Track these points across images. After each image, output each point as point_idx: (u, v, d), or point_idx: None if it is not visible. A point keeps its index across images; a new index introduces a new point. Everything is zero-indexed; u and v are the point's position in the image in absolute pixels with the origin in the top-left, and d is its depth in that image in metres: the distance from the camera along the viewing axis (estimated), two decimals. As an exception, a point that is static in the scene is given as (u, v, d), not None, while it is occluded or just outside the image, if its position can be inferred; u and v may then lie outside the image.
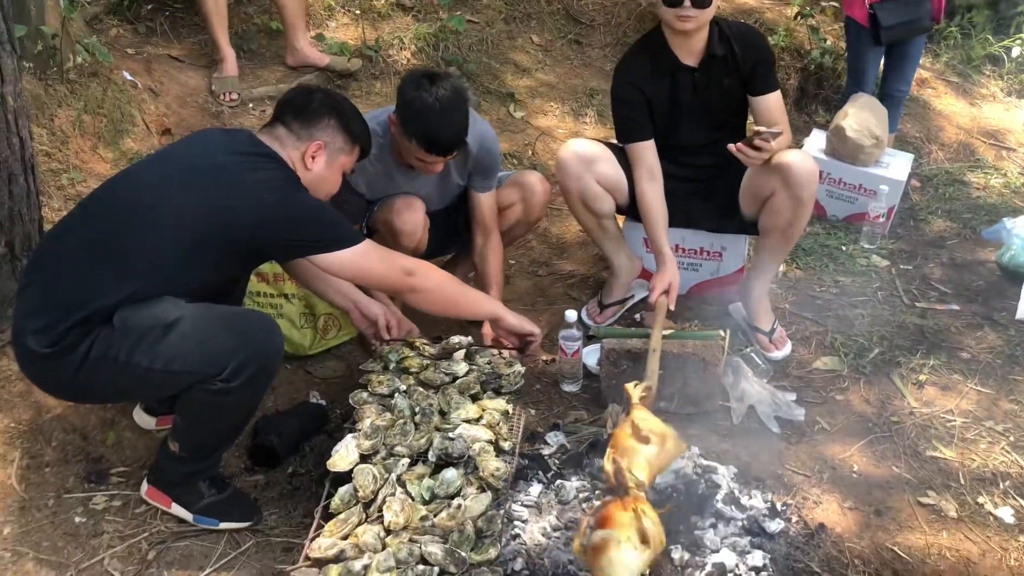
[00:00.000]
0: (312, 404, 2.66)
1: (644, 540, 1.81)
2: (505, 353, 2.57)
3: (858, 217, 3.82)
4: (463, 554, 1.82)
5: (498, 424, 2.22)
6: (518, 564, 2.06)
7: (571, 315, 2.78)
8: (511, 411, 2.32)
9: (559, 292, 3.40)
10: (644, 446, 2.07)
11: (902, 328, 3.12)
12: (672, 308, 2.75)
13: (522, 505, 2.27)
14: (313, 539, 1.90)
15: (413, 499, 1.98)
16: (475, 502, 1.98)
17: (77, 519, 2.25)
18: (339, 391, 2.77)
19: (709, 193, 2.98)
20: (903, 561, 2.16)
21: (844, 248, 3.69)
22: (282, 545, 2.20)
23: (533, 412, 2.75)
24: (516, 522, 2.21)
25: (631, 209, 2.99)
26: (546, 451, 2.53)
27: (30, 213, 2.73)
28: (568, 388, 2.85)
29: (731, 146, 2.64)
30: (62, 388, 2.13)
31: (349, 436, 2.16)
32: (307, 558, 1.85)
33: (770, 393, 2.72)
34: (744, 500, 2.28)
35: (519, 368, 2.46)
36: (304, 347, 2.89)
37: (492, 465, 2.07)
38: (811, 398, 2.79)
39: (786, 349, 2.98)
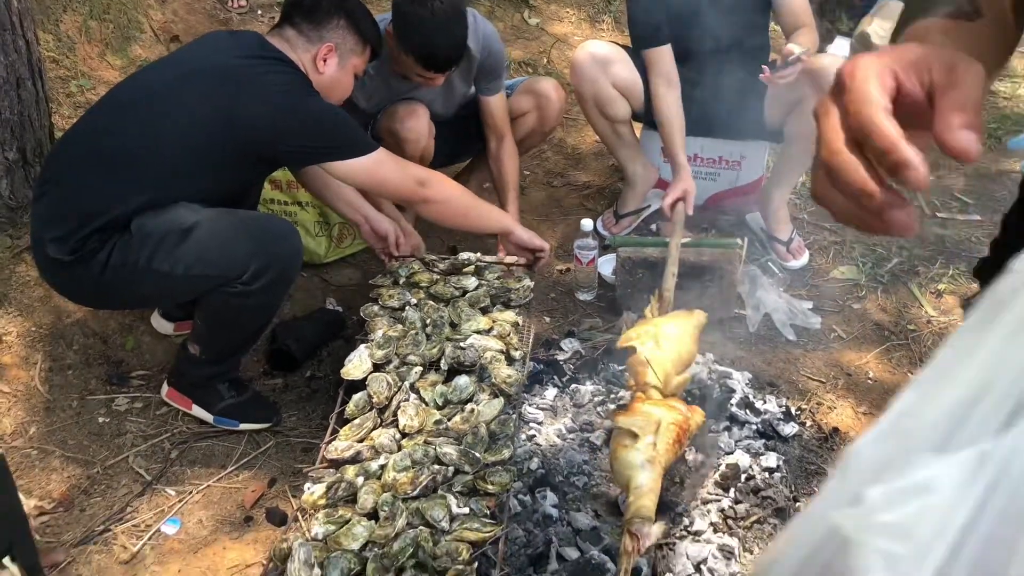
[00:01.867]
0: (328, 310, 2.67)
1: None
2: (515, 269, 2.56)
3: (881, 127, 3.72)
4: (477, 454, 1.85)
5: (508, 335, 2.22)
6: (534, 464, 2.10)
7: (586, 224, 2.75)
8: (521, 323, 2.32)
9: (574, 203, 3.37)
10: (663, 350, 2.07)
11: (922, 238, 3.08)
12: (689, 213, 2.71)
13: (537, 408, 2.30)
14: (329, 442, 1.93)
15: (427, 404, 2.00)
16: (488, 407, 1.99)
17: (100, 419, 2.29)
18: (355, 298, 2.77)
19: (729, 100, 2.90)
20: (915, 463, 2.18)
21: (866, 158, 3.61)
22: (301, 445, 2.25)
23: (548, 320, 2.76)
24: (532, 424, 2.24)
25: (647, 116, 2.92)
26: (561, 357, 2.54)
27: (40, 119, 2.70)
28: (583, 297, 2.85)
29: (763, 76, 2.56)
30: (83, 295, 2.14)
31: (362, 346, 2.17)
32: (324, 460, 1.88)
33: (786, 301, 2.71)
34: (759, 405, 2.29)
35: (528, 283, 2.45)
36: (319, 255, 2.88)
37: (504, 372, 2.08)
38: (828, 307, 2.78)
39: (803, 258, 2.95)
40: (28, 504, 2.03)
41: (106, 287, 2.02)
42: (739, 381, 2.38)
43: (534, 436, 2.21)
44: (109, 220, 1.97)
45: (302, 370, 2.51)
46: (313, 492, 1.77)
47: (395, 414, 1.97)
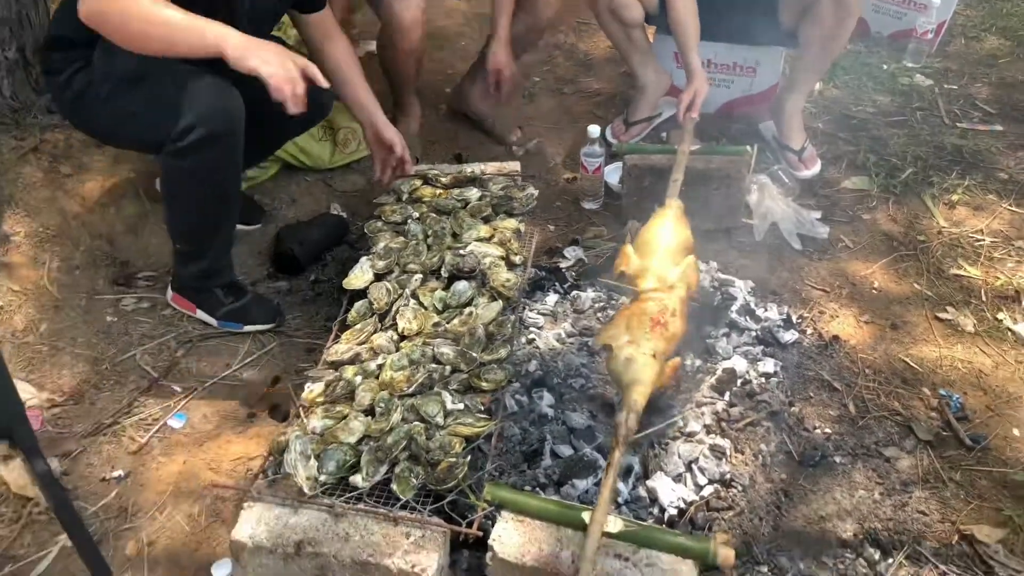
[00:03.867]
0: (332, 215, 2.67)
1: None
2: (519, 178, 2.53)
3: (904, 34, 3.59)
4: (474, 354, 1.87)
5: (509, 241, 2.22)
6: (532, 366, 2.12)
7: (593, 130, 2.70)
8: (523, 229, 2.31)
9: (584, 110, 3.30)
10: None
11: (939, 148, 3.01)
12: (695, 116, 2.64)
13: (538, 313, 2.31)
14: (330, 347, 1.96)
15: (426, 309, 2.01)
16: (486, 310, 2.00)
17: (108, 318, 2.33)
18: (359, 204, 2.77)
19: (744, 4, 2.79)
20: (913, 371, 2.18)
21: (886, 67, 3.50)
22: (305, 346, 2.28)
23: (552, 229, 2.74)
24: (532, 328, 2.25)
25: (661, 20, 2.83)
26: (564, 264, 2.54)
27: (38, 18, 2.66)
28: (589, 206, 2.82)
29: None
30: (72, 115, 2.13)
31: (364, 258, 2.18)
32: (325, 362, 1.91)
33: (794, 211, 2.67)
34: (759, 312, 2.29)
35: (531, 191, 2.43)
36: (323, 160, 2.86)
37: (503, 276, 2.09)
38: (837, 216, 2.73)
39: (815, 168, 2.89)
40: (40, 397, 2.09)
41: (85, 111, 2.03)
42: (741, 289, 2.37)
43: (533, 340, 2.22)
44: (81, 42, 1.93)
45: (306, 274, 2.52)
46: (312, 390, 1.81)
47: (395, 319, 1.99)
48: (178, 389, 2.16)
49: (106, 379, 2.18)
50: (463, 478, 1.58)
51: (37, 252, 2.41)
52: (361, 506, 1.56)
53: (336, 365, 1.89)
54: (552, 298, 2.38)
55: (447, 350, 1.87)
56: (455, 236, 2.27)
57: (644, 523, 1.58)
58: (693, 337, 2.19)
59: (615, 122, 3.13)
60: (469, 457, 1.66)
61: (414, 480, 1.58)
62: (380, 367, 1.84)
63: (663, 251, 2.05)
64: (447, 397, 1.74)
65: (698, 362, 2.14)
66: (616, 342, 1.83)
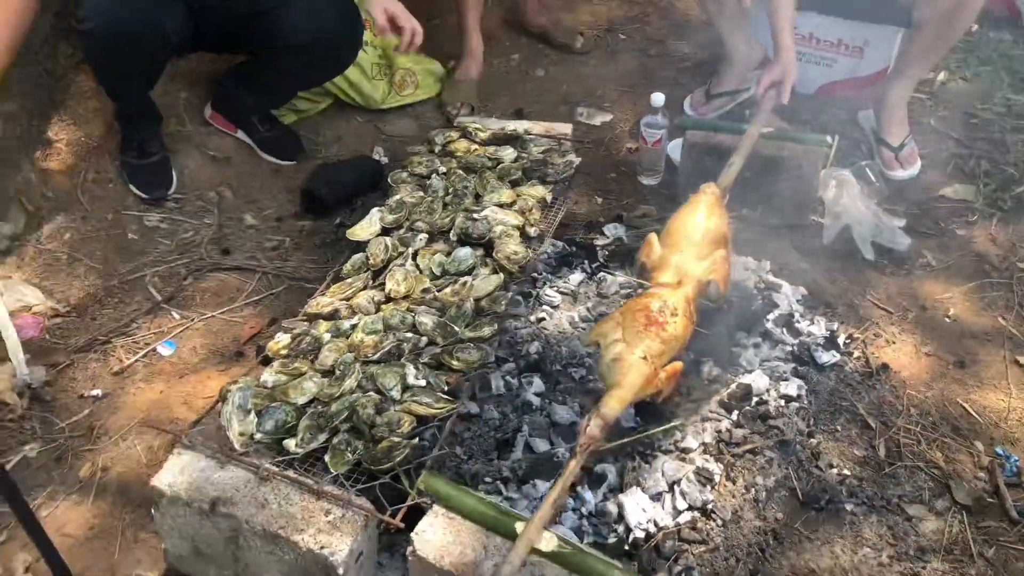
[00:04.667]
0: (370, 159, 2.56)
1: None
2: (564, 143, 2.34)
3: (1062, 26, 3.10)
4: (456, 328, 1.72)
5: (531, 210, 2.04)
6: (533, 347, 1.96)
7: (657, 98, 2.46)
8: (550, 199, 2.12)
9: (667, 76, 3.04)
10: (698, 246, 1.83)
11: (1069, 163, 2.58)
12: (784, 102, 2.35)
13: (557, 291, 2.14)
14: (315, 298, 1.86)
15: (421, 272, 1.88)
16: (484, 282, 1.85)
17: (130, 235, 2.33)
18: (405, 151, 2.65)
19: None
20: (970, 420, 1.88)
21: (1031, 61, 3.04)
22: (311, 291, 2.19)
23: (600, 201, 2.54)
24: (545, 307, 2.08)
25: (761, -18, 2.52)
26: (600, 242, 2.34)
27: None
28: (646, 181, 2.59)
29: None
30: None
31: (375, 209, 2.07)
32: (304, 313, 1.82)
33: (874, 215, 2.35)
34: (801, 325, 2.03)
35: (572, 158, 2.24)
36: (375, 100, 2.75)
37: (510, 248, 1.92)
38: (925, 228, 2.40)
39: (912, 169, 2.54)
40: (45, 304, 2.11)
41: None
42: (788, 296, 2.11)
43: (543, 320, 2.06)
44: None
45: (333, 216, 2.43)
46: (279, 341, 1.72)
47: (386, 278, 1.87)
48: (176, 316, 2.13)
49: (113, 295, 2.17)
50: (400, 461, 1.46)
51: (76, 161, 2.43)
52: (290, 473, 1.46)
53: (312, 318, 1.80)
54: (577, 277, 2.19)
55: (427, 320, 1.73)
56: (477, 197, 2.12)
57: (584, 547, 1.41)
58: (720, 342, 1.97)
59: (696, 92, 2.86)
60: (416, 439, 1.52)
61: (349, 455, 1.47)
62: (353, 327, 1.73)
63: (689, 242, 1.83)
64: (410, 371, 1.61)
65: (717, 370, 1.92)
66: (605, 340, 1.65)
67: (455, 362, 1.65)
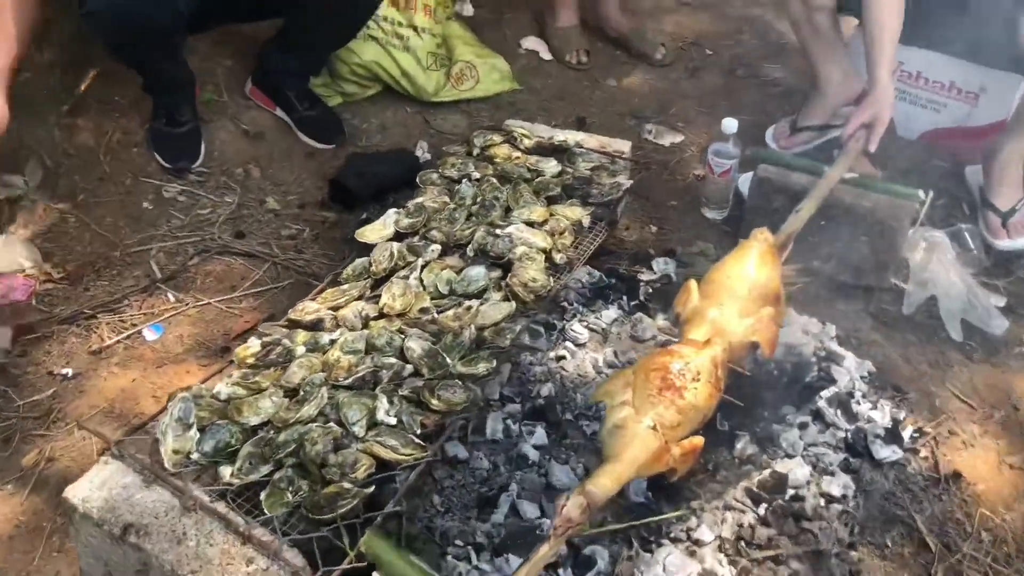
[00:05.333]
0: (409, 154, 2.35)
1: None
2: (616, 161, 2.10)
3: None
4: (448, 359, 1.50)
5: (562, 233, 1.80)
6: (544, 389, 1.72)
7: (729, 124, 2.18)
8: (587, 222, 1.88)
9: (751, 101, 2.74)
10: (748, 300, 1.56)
11: None
12: (871, 149, 2.04)
13: (587, 327, 1.89)
14: (302, 303, 1.67)
15: (424, 288, 1.66)
16: (493, 309, 1.62)
17: (145, 204, 2.19)
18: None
19: (978, 7, 2.10)
20: (1055, 557, 1.54)
21: None
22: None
23: (654, 231, 2.27)
24: (569, 343, 1.84)
25: (860, 8, 2.21)
26: (645, 277, 2.07)
27: None
28: (709, 214, 2.31)
29: None
30: None
31: (392, 210, 1.87)
32: (286, 318, 1.62)
33: (968, 288, 2.01)
34: (861, 407, 1.72)
35: (622, 180, 2.00)
36: (427, 91, 2.55)
37: (529, 274, 1.69)
38: (1027, 312, 2.05)
39: (1021, 240, 2.19)
40: (41, 267, 1.98)
41: None
42: (850, 370, 1.81)
43: (563, 358, 1.81)
44: None
45: (360, 211, 2.24)
46: (249, 347, 1.53)
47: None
48: (171, 298, 1.98)
49: (112, 267, 2.04)
50: (345, 513, 1.24)
51: (103, 121, 2.31)
52: (219, 506, 1.26)
53: (293, 325, 1.60)
54: (611, 314, 1.93)
55: (416, 345, 1.51)
56: (508, 211, 1.89)
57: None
58: (759, 415, 1.69)
59: (781, 122, 2.56)
60: (372, 488, 1.30)
61: (290, 495, 1.26)
62: (332, 342, 1.52)
63: (731, 296, 1.56)
64: (382, 404, 1.40)
65: (752, 449, 1.64)
66: (612, 401, 1.40)
67: (435, 401, 1.42)
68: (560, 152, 2.11)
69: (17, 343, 1.81)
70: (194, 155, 2.27)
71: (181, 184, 2.25)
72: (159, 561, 1.20)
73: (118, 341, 1.85)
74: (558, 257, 1.77)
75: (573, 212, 1.89)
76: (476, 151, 2.09)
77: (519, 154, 2.09)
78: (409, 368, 1.49)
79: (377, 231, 1.83)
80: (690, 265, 2.12)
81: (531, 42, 2.90)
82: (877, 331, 1.97)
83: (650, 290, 2.03)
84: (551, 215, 1.87)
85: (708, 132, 2.60)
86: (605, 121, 2.64)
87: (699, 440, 1.42)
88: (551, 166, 2.03)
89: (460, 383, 1.45)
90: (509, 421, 1.65)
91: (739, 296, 1.55)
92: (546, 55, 2.88)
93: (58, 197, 2.16)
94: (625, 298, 1.99)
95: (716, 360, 1.43)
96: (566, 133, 2.22)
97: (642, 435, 1.33)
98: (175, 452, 1.30)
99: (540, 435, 1.62)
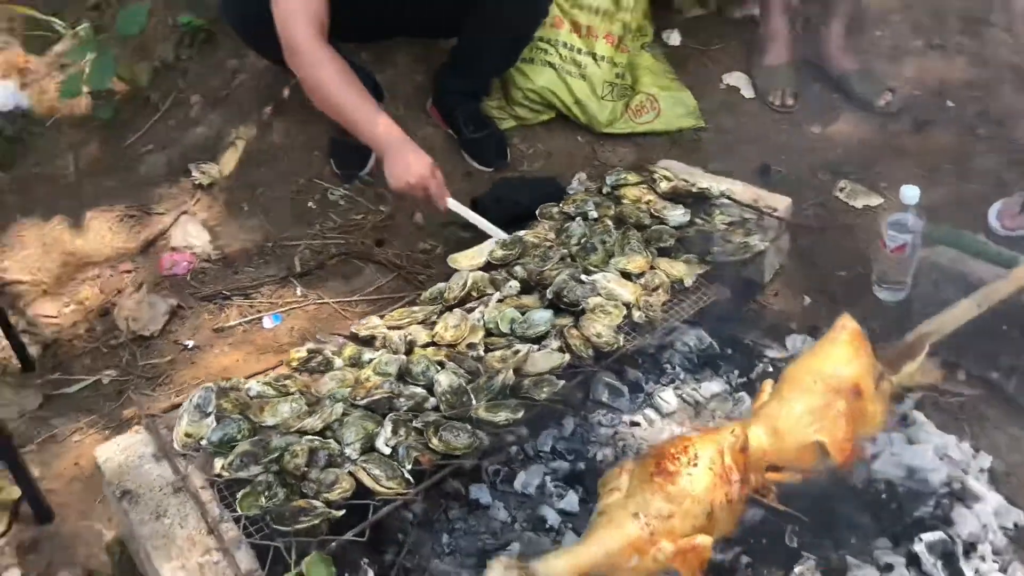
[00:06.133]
0: (554, 183, 2.26)
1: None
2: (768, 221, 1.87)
3: None
4: (473, 400, 1.43)
5: (655, 289, 1.64)
6: (601, 454, 1.58)
7: (909, 193, 1.84)
8: (689, 282, 1.69)
9: (986, 167, 2.30)
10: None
11: None
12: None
13: (681, 397, 1.71)
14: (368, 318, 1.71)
15: (484, 323, 1.60)
16: (543, 357, 1.52)
17: (309, 203, 2.34)
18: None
19: None
20: None
21: None
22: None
23: (806, 303, 1.99)
24: (651, 411, 1.68)
25: None
26: (770, 353, 1.83)
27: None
28: (881, 295, 1.97)
29: None
30: None
31: (493, 240, 1.85)
32: (350, 331, 1.66)
33: None
34: (971, 564, 1.36)
35: (755, 241, 1.77)
36: (599, 122, 2.47)
37: (594, 329, 1.56)
38: None
39: None
40: (206, 246, 2.23)
41: None
42: (985, 516, 1.44)
43: (637, 425, 1.66)
44: None
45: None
46: (299, 351, 1.58)
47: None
48: (299, 292, 2.11)
49: (263, 256, 2.23)
50: (301, 530, 1.23)
51: (297, 124, 2.50)
52: (206, 494, 1.32)
53: (352, 338, 1.63)
54: (714, 387, 1.74)
55: (445, 379, 1.46)
56: (610, 257, 1.77)
57: None
58: (844, 541, 1.41)
59: (1012, 198, 2.11)
60: (342, 512, 1.28)
61: (264, 499, 1.28)
62: (370, 361, 1.53)
63: (795, 388, 1.31)
64: (385, 430, 1.37)
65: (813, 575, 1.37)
66: (605, 487, 1.24)
67: (435, 440, 1.36)
68: (699, 201, 1.93)
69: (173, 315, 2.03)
70: (362, 164, 2.40)
71: (346, 189, 2.40)
72: (136, 531, 1.29)
73: (240, 324, 2.02)
74: (636, 315, 1.61)
75: (676, 268, 1.71)
76: (607, 189, 1.98)
77: (652, 197, 1.94)
78: (432, 401, 1.45)
79: (469, 258, 1.81)
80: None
81: (735, 77, 2.68)
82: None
83: (770, 369, 1.78)
84: (651, 268, 1.72)
85: (924, 195, 2.22)
86: (794, 171, 2.37)
87: (703, 540, 1.21)
88: (677, 214, 1.86)
89: (468, 427, 1.38)
90: (548, 478, 1.54)
91: (803, 389, 1.30)
92: (748, 92, 2.65)
93: (240, 186, 2.40)
94: (736, 372, 1.77)
95: (723, 446, 1.22)
96: (714, 180, 2.02)
97: (618, 520, 1.16)
98: (187, 436, 1.38)
99: (571, 500, 1.50)
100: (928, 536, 1.38)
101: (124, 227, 2.31)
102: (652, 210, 1.87)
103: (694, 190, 1.93)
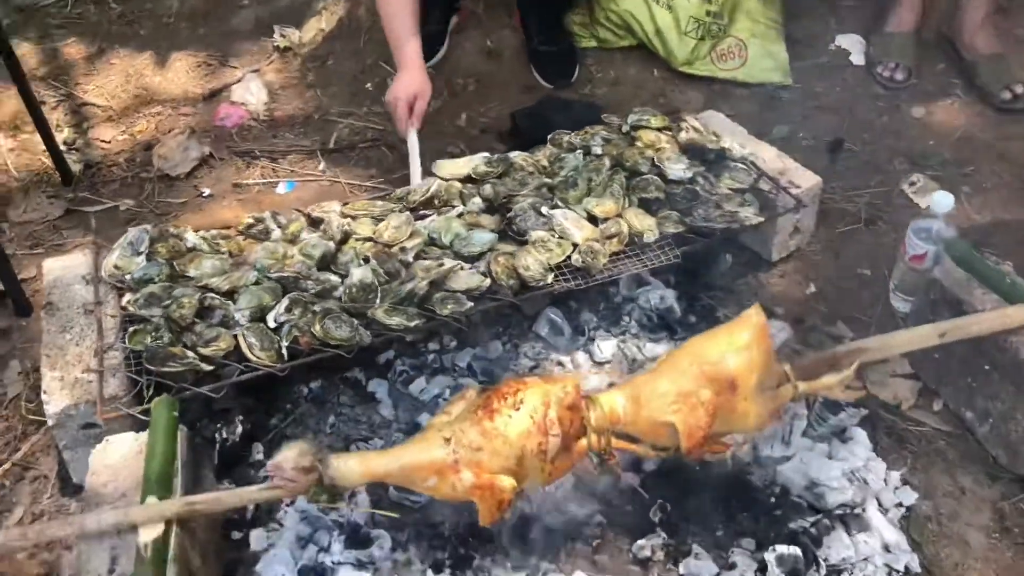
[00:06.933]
0: (593, 108, 2.17)
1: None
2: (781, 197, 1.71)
3: None
4: (377, 300, 1.44)
5: (610, 238, 1.56)
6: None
7: (942, 200, 1.61)
8: (652, 238, 1.58)
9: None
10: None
11: None
12: None
13: (621, 349, 1.64)
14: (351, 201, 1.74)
15: (428, 232, 1.59)
16: (466, 276, 1.49)
17: (368, 86, 2.38)
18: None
19: None
20: None
21: None
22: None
23: (810, 291, 1.82)
24: (584, 354, 1.63)
25: None
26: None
27: None
28: (896, 303, 1.77)
29: None
30: None
31: (483, 154, 1.82)
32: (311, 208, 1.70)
33: None
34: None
35: (750, 215, 1.68)
36: (676, 58, 2.30)
37: (524, 261, 1.51)
38: None
39: None
40: (260, 106, 2.32)
41: None
42: (869, 549, 1.31)
43: (561, 366, 1.62)
44: None
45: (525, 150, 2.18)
46: (248, 218, 1.66)
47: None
48: (322, 168, 2.17)
49: (305, 125, 2.30)
50: (167, 374, 1.32)
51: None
52: (112, 323, 1.43)
53: (307, 218, 1.67)
54: (660, 349, 1.65)
55: (359, 273, 1.48)
56: (589, 193, 1.69)
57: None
58: (712, 525, 1.34)
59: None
60: (211, 367, 1.35)
61: (150, 339, 1.37)
62: (294, 239, 1.59)
63: (671, 368, 1.22)
64: (281, 305, 1.42)
65: (659, 555, 1.31)
66: (446, 407, 1.24)
67: (317, 326, 1.39)
68: (719, 159, 1.78)
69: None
70: (430, 56, 2.36)
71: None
72: (45, 335, 1.42)
73: (256, 184, 2.12)
74: (575, 258, 1.54)
75: (643, 222, 1.61)
76: (626, 128, 1.87)
77: (666, 145, 1.81)
78: (341, 291, 1.47)
79: (452, 168, 1.78)
80: (814, 346, 1.67)
81: (849, 40, 2.40)
82: (990, 544, 1.36)
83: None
84: (618, 216, 1.62)
85: (992, 209, 1.94)
86: (870, 154, 2.12)
87: (505, 481, 1.17)
88: (678, 168, 1.72)
89: (354, 322, 1.40)
90: (449, 391, 1.55)
91: (678, 368, 1.21)
92: (858, 59, 2.37)
93: (313, 57, 2.47)
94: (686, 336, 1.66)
95: (551, 398, 1.16)
96: (744, 141, 1.85)
97: (429, 440, 1.16)
98: (116, 267, 1.50)
99: (440, 381, 1.53)
100: (783, 548, 1.28)
101: (199, 73, 2.46)
102: (655, 159, 1.75)
103: (712, 147, 1.78)
